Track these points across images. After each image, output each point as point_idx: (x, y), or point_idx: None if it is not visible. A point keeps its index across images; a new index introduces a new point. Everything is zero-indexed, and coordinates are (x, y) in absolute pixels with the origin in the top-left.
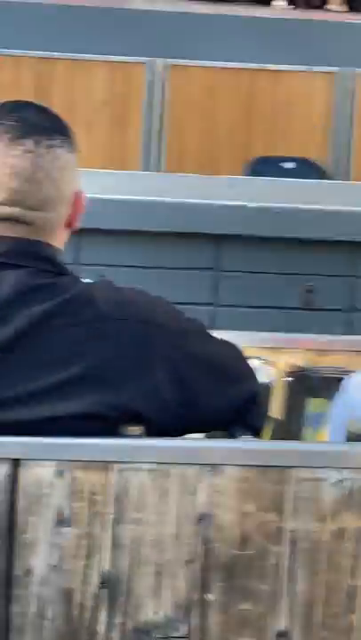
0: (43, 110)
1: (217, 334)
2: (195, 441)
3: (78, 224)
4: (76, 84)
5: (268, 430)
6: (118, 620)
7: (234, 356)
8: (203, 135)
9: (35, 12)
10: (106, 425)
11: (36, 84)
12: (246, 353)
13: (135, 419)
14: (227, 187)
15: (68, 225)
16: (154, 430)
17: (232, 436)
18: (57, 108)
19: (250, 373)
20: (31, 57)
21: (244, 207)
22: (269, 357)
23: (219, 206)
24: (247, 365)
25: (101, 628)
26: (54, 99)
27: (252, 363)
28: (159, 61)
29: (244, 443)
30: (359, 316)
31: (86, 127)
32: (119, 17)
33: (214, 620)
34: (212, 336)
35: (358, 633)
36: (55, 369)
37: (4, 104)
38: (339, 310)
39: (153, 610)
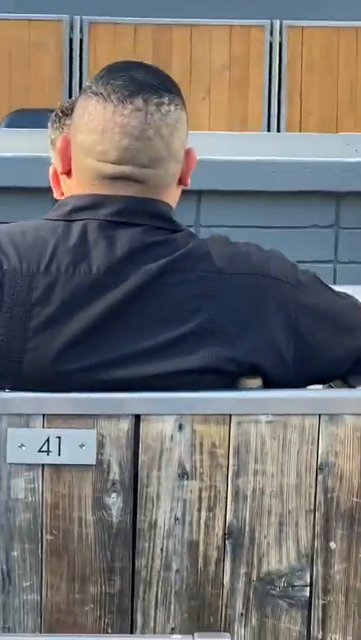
0: (151, 69)
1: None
2: (313, 391)
3: (189, 181)
4: (195, 50)
5: None
6: (243, 570)
7: (351, 307)
8: (323, 95)
9: None
10: (224, 378)
11: (154, 50)
12: None
13: (253, 371)
14: (345, 144)
15: (180, 182)
16: (272, 382)
17: (351, 385)
18: (176, 73)
19: None
20: (149, 24)
21: None
22: None
23: (338, 164)
24: None
25: (226, 578)
26: (173, 65)
27: None
28: (277, 23)
29: None
30: None
31: (206, 91)
32: None
33: (337, 567)
34: (328, 287)
35: None
36: (171, 325)
37: (113, 65)
38: None
39: (276, 559)
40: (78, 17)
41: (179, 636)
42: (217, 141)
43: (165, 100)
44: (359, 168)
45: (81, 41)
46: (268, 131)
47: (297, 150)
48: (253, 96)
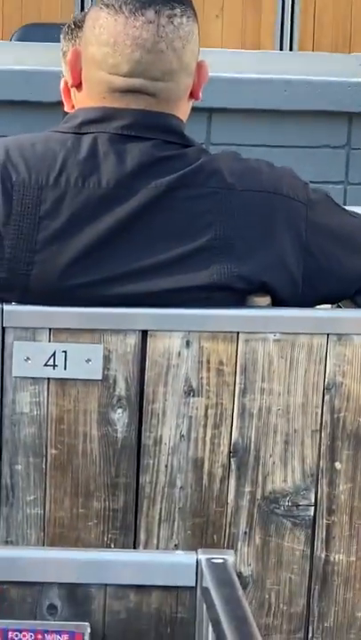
0: None
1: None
2: (321, 311)
3: (201, 95)
4: None
5: None
6: (247, 488)
7: None
8: (336, 14)
9: None
10: (233, 296)
11: None
12: None
13: (262, 289)
14: (358, 64)
15: (191, 96)
16: (281, 300)
17: (359, 306)
18: None
19: None
20: None
21: None
22: None
23: (350, 83)
24: None
25: (230, 496)
26: None
27: None
28: None
29: None
30: None
31: (220, 9)
32: None
33: (342, 487)
34: (339, 206)
35: None
36: (181, 240)
37: None
38: None
39: (281, 478)
40: None
41: (182, 552)
42: (229, 59)
43: (177, 12)
44: None
45: None
46: (281, 49)
47: (309, 69)
48: (267, 14)
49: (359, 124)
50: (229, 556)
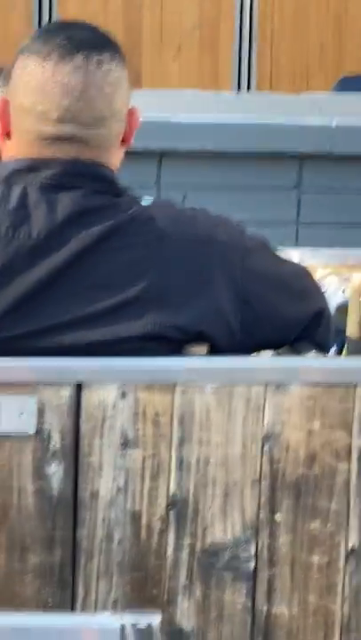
0: (91, 28)
1: (298, 252)
2: (259, 360)
3: (133, 141)
4: (166, 9)
5: (344, 351)
6: (186, 541)
7: (299, 273)
8: (294, 54)
9: None
10: (169, 345)
11: (124, 9)
12: (325, 270)
13: (198, 338)
14: (311, 105)
15: (123, 142)
16: (218, 349)
17: (298, 353)
18: (147, 32)
19: (316, 290)
20: None
21: (328, 127)
22: (347, 275)
23: (301, 125)
24: (313, 282)
25: (169, 549)
26: (144, 23)
27: (330, 280)
28: None
29: (310, 360)
30: None
31: (177, 50)
32: None
33: (283, 539)
34: (275, 254)
35: None
36: (114, 290)
37: (52, 24)
38: None
39: (221, 531)
40: None
41: (106, 617)
42: (184, 100)
43: (106, 57)
44: (322, 130)
45: (50, 1)
46: (239, 89)
47: (261, 110)
48: (224, 56)
49: (310, 165)
50: (155, 620)
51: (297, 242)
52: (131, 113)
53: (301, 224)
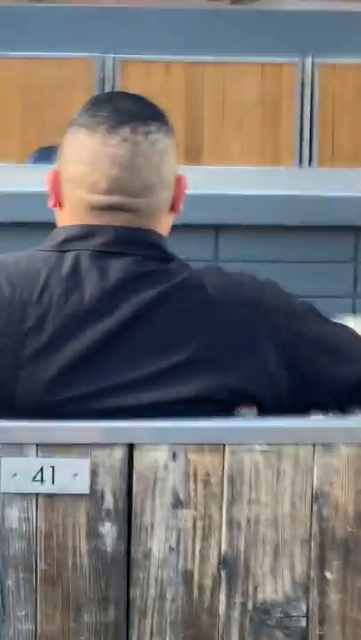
0: (136, 98)
1: (353, 319)
2: (307, 421)
3: (181, 207)
4: (227, 86)
5: None
6: (238, 599)
7: (347, 336)
8: (355, 130)
9: (182, 16)
10: (218, 407)
11: (186, 87)
12: None
13: (247, 400)
14: None
15: (172, 209)
16: (267, 410)
17: (346, 414)
18: (208, 108)
19: None
20: (181, 61)
21: None
22: None
23: (356, 198)
24: None
25: (221, 608)
26: (205, 101)
27: None
28: (308, 61)
29: (358, 420)
30: None
31: (238, 127)
32: (266, 17)
33: (334, 597)
34: (323, 317)
35: None
36: (165, 354)
37: (98, 96)
38: None
39: (272, 589)
40: (110, 55)
41: None
42: (245, 176)
43: (153, 128)
44: None
45: (113, 79)
46: (300, 165)
47: (317, 184)
48: (285, 132)
49: None
50: None
51: (354, 314)
52: (178, 180)
53: (359, 296)
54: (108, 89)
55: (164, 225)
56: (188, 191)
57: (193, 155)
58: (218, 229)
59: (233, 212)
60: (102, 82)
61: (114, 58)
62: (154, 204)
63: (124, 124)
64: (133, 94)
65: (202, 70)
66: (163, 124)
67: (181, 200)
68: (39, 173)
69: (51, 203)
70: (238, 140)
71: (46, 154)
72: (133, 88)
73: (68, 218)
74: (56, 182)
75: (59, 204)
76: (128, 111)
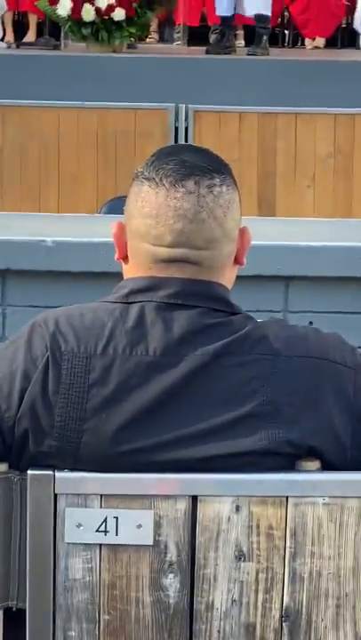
0: (201, 151)
1: None
2: None
3: (245, 260)
4: (300, 137)
5: None
6: None
7: None
8: None
9: (255, 68)
10: (281, 460)
11: (259, 138)
12: None
13: (310, 453)
14: None
15: (236, 262)
16: (330, 464)
17: None
18: (281, 160)
19: None
20: (254, 112)
21: None
22: None
23: None
24: None
25: None
26: (278, 152)
27: None
28: None
29: None
30: None
31: (311, 180)
32: (336, 69)
33: None
34: None
35: None
36: (228, 406)
37: (163, 149)
38: None
39: None
40: (183, 106)
41: None
42: (316, 227)
43: (217, 181)
44: None
45: (186, 129)
46: None
47: None
48: (358, 184)
49: None
50: None
51: None
52: (242, 233)
53: None
54: (181, 139)
55: (227, 277)
56: (260, 242)
57: (266, 207)
58: (288, 280)
59: (304, 263)
60: (176, 132)
61: (187, 107)
62: (218, 257)
63: (188, 178)
64: (197, 147)
65: (274, 121)
66: (227, 176)
67: (245, 252)
68: (109, 224)
69: (116, 255)
70: (311, 191)
71: (117, 205)
72: (207, 138)
73: (133, 270)
74: (121, 235)
75: (124, 256)
76: (192, 164)
